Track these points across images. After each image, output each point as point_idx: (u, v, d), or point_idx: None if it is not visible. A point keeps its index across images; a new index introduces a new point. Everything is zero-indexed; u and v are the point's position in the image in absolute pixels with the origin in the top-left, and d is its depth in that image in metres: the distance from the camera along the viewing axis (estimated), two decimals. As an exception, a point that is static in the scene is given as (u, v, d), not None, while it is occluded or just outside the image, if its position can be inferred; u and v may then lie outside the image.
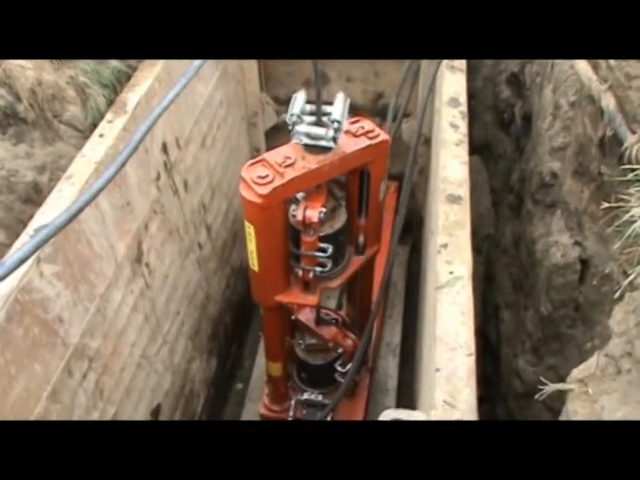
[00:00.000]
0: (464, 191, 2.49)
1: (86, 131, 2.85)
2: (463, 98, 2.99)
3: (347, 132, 2.47)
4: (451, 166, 2.62)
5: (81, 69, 2.92)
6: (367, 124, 2.53)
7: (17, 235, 2.34)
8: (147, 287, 3.11)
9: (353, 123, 2.52)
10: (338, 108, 2.36)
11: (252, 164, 2.39)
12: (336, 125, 2.32)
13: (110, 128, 2.74)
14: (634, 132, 2.08)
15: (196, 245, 3.75)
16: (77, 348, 2.49)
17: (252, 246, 2.51)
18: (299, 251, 2.61)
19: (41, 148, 2.77)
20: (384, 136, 2.51)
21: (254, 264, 2.60)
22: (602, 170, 2.37)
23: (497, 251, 4.10)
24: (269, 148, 4.71)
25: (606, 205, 1.93)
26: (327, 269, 2.66)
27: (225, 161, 4.13)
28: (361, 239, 2.82)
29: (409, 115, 4.13)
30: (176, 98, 1.67)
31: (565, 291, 2.72)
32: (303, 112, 2.37)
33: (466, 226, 2.35)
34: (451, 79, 3.13)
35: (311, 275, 2.66)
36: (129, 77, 3.07)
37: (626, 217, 1.73)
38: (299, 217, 2.47)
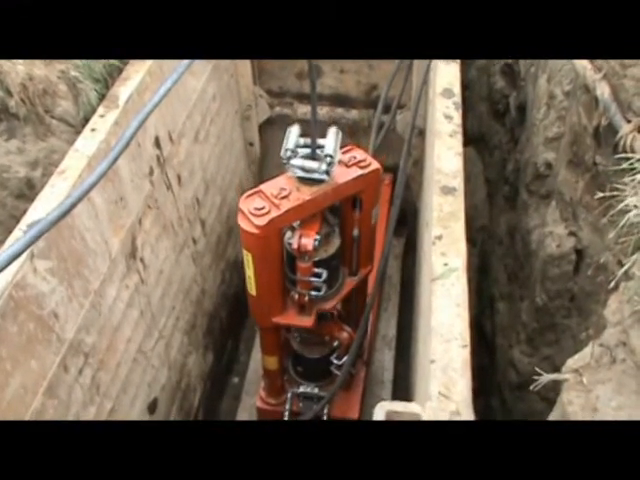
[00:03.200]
0: (458, 182, 2.49)
1: (78, 126, 2.83)
2: (457, 89, 2.98)
3: (339, 162, 2.58)
4: (445, 157, 2.61)
5: (72, 64, 2.89)
6: (359, 153, 2.66)
7: (10, 231, 2.32)
8: (142, 282, 3.10)
9: (345, 153, 2.64)
10: (331, 143, 2.48)
11: (249, 195, 2.53)
12: (329, 159, 2.45)
13: (102, 122, 2.73)
14: (629, 121, 2.07)
15: (190, 240, 3.74)
16: (72, 344, 2.48)
17: (250, 272, 2.65)
18: (295, 276, 2.74)
19: (33, 143, 2.75)
20: (375, 165, 2.64)
21: (252, 288, 2.73)
22: (597, 160, 2.36)
23: (492, 242, 4.10)
24: (263, 141, 4.70)
25: (601, 195, 1.93)
26: (322, 293, 2.80)
27: (219, 155, 4.12)
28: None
29: (403, 107, 4.12)
30: (167, 93, 1.65)
31: (560, 281, 2.73)
32: (297, 145, 2.49)
33: (461, 217, 2.35)
34: (445, 70, 3.12)
35: (306, 298, 2.79)
36: (120, 71, 3.04)
37: (620, 206, 1.72)
38: (294, 245, 2.60)
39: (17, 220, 2.39)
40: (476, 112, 4.71)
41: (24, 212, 2.40)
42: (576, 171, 2.60)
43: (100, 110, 2.80)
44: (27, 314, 2.20)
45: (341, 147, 2.58)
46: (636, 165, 1.78)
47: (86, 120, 2.80)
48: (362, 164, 2.61)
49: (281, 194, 2.48)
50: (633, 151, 1.95)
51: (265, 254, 2.58)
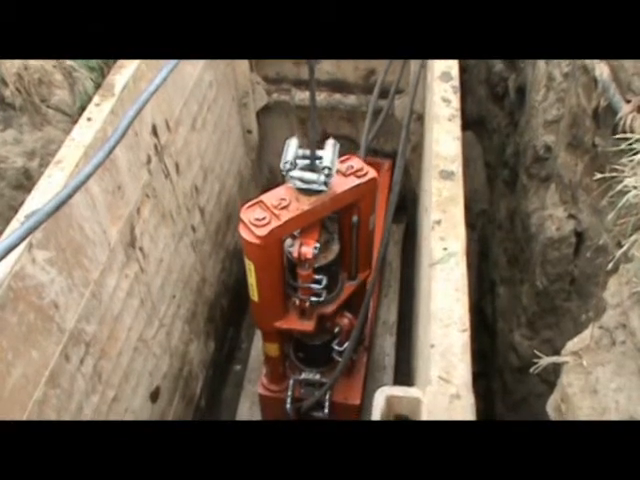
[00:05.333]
0: (457, 167, 2.48)
1: (75, 115, 2.81)
2: (455, 72, 2.96)
3: (337, 172, 2.63)
4: (444, 141, 2.59)
5: (67, 52, 2.87)
6: (356, 162, 2.71)
7: (9, 222, 2.32)
8: (142, 271, 3.10)
9: (343, 162, 2.69)
10: (328, 154, 2.53)
11: (250, 206, 2.59)
12: (327, 171, 2.50)
13: (98, 111, 2.71)
14: (628, 101, 2.06)
15: (190, 228, 3.73)
16: (73, 333, 2.48)
17: (252, 280, 2.72)
18: (295, 283, 2.82)
19: (30, 133, 2.75)
20: (372, 174, 2.69)
21: (254, 295, 2.80)
22: (596, 141, 2.35)
23: (492, 226, 4.10)
24: (261, 128, 4.68)
25: (600, 176, 1.92)
26: (322, 298, 2.88)
27: (216, 142, 4.10)
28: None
29: (401, 91, 4.09)
30: (163, 83, 1.64)
31: (560, 264, 2.73)
32: (296, 157, 2.54)
33: (460, 202, 2.34)
34: (443, 53, 3.09)
35: (307, 304, 2.87)
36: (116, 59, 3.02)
37: (619, 187, 1.71)
38: (295, 254, 2.67)
39: (15, 211, 2.39)
40: (475, 95, 4.69)
41: (22, 203, 2.40)
42: (575, 153, 2.59)
43: (96, 99, 2.78)
44: (27, 304, 2.20)
45: (339, 156, 2.63)
46: (635, 145, 1.76)
47: (82, 109, 2.78)
48: (359, 173, 2.67)
49: (281, 204, 2.54)
50: (632, 131, 1.94)
51: (266, 263, 2.65)
